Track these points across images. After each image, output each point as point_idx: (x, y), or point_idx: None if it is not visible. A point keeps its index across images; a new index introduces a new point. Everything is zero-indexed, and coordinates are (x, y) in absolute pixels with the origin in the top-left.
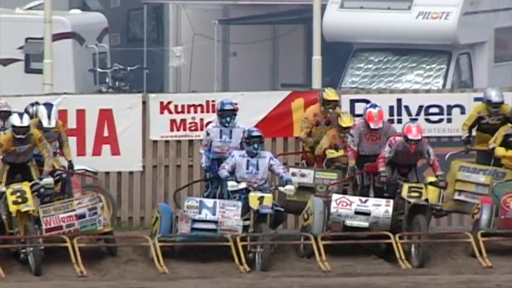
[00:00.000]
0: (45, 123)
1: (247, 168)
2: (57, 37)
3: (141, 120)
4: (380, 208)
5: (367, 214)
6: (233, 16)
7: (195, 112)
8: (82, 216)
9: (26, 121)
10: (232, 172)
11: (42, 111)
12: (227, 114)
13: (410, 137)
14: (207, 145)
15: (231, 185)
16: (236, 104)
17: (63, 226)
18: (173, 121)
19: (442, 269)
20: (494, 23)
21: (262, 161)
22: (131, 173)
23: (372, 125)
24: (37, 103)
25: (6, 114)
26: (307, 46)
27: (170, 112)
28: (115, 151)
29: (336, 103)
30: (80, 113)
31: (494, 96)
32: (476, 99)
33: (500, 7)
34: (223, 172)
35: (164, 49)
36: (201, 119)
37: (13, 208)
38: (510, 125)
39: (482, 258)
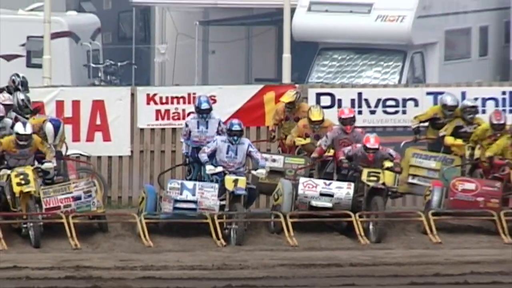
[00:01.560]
0: (50, 140)
1: (227, 153)
2: (55, 35)
3: (129, 110)
4: (342, 190)
5: (330, 195)
6: (212, 18)
7: (178, 103)
8: (78, 198)
9: (28, 129)
10: (211, 156)
11: (50, 129)
12: (203, 112)
13: (368, 146)
14: (186, 134)
15: (209, 168)
16: (213, 97)
17: (61, 207)
18: (158, 111)
19: (397, 245)
20: (444, 25)
21: (241, 147)
22: (120, 157)
23: (343, 116)
24: (17, 75)
25: (9, 107)
26: (278, 45)
27: (155, 103)
28: (106, 138)
29: (293, 103)
30: (75, 104)
31: (449, 100)
32: (428, 93)
33: (450, 11)
34: (203, 156)
35: (150, 47)
36: (183, 110)
37: (16, 189)
38: (461, 119)
39: (432, 235)
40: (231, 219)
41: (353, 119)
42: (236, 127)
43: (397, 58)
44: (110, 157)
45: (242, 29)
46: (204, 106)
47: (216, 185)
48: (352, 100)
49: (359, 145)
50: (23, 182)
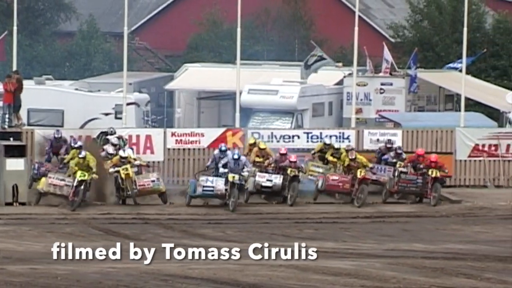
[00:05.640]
0: (123, 154)
1: (233, 164)
2: (128, 104)
3: (163, 139)
4: (277, 179)
5: (271, 181)
6: (202, 96)
7: (186, 136)
8: (153, 181)
9: (126, 153)
10: (225, 165)
11: (128, 151)
12: (236, 160)
13: (291, 160)
14: (212, 159)
15: (222, 171)
16: (202, 134)
17: (145, 184)
18: (176, 140)
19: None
20: (312, 100)
21: (240, 162)
22: (158, 162)
23: (281, 152)
24: (112, 128)
25: (115, 145)
26: (233, 109)
27: (175, 136)
28: (152, 152)
29: (255, 144)
30: (137, 136)
31: (327, 141)
32: (304, 133)
33: (314, 94)
34: (220, 165)
35: (173, 109)
36: (188, 139)
37: (124, 175)
38: (333, 149)
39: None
40: (230, 196)
41: (286, 154)
42: (235, 156)
43: (289, 116)
44: (154, 162)
45: (216, 101)
46: (236, 156)
47: (224, 179)
48: (268, 136)
49: (287, 161)
50: (127, 172)
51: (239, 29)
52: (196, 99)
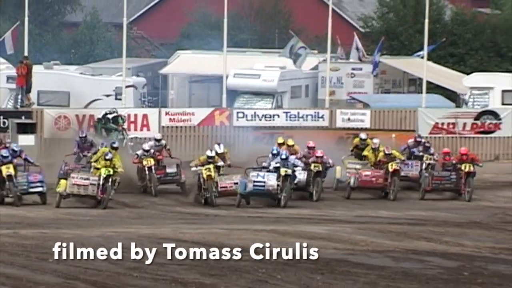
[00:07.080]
0: (213, 153)
1: (282, 165)
2: (127, 86)
3: (158, 118)
4: (301, 175)
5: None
6: (193, 79)
7: (178, 115)
8: (236, 183)
9: (213, 152)
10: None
11: (211, 151)
12: (274, 156)
13: (317, 155)
14: (269, 161)
15: (274, 166)
16: (193, 113)
17: (227, 186)
18: (170, 119)
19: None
20: (290, 84)
21: (289, 162)
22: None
23: (309, 145)
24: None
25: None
26: (221, 91)
27: (169, 115)
28: (148, 129)
29: (283, 143)
30: (135, 115)
31: (363, 136)
32: (284, 112)
33: (293, 77)
34: (272, 163)
35: (167, 91)
36: (181, 118)
37: (205, 176)
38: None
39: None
40: (282, 191)
41: (314, 148)
42: (283, 156)
43: (270, 97)
44: (149, 138)
45: (206, 84)
46: (283, 156)
47: (276, 174)
48: (251, 115)
49: (314, 156)
50: (209, 173)
51: (225, 20)
52: (187, 82)
